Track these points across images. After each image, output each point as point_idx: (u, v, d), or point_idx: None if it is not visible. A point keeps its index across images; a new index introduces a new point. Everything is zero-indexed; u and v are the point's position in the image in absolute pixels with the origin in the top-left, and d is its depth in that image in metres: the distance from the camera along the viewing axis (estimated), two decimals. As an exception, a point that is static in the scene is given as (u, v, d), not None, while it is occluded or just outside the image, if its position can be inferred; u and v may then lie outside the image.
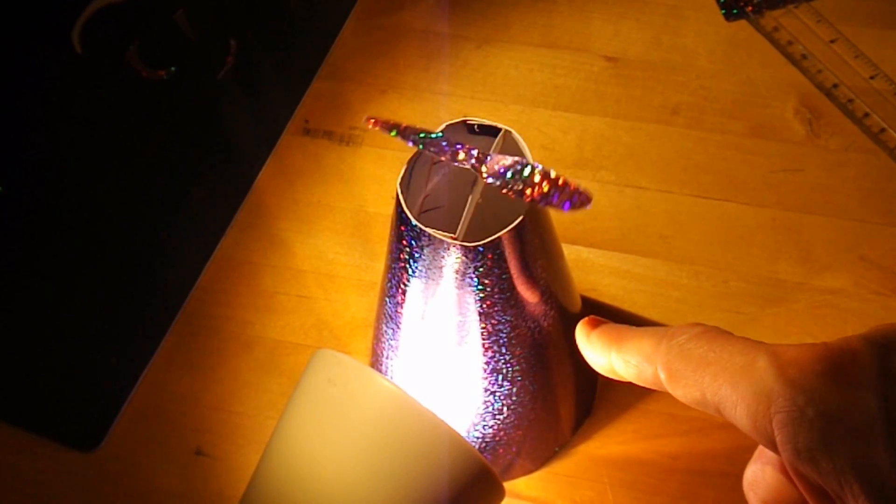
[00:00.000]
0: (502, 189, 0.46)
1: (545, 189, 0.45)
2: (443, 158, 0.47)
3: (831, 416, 0.40)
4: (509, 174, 0.46)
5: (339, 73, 0.79)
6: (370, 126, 0.47)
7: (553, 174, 0.46)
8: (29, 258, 0.72)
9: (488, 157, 0.47)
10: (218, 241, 0.71)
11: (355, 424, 0.49)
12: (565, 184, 0.45)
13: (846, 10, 0.78)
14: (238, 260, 0.70)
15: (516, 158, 0.47)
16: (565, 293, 0.57)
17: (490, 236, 0.48)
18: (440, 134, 0.48)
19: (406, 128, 0.47)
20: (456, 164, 0.47)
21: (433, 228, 0.48)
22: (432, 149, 0.47)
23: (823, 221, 0.69)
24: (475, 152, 0.47)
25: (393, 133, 0.47)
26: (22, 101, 0.79)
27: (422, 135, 0.47)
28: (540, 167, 0.46)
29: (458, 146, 0.47)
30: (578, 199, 0.45)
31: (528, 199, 0.46)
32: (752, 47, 0.77)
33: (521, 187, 0.45)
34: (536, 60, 0.78)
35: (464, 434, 0.55)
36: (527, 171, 0.46)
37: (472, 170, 0.47)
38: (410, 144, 0.47)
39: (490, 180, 0.46)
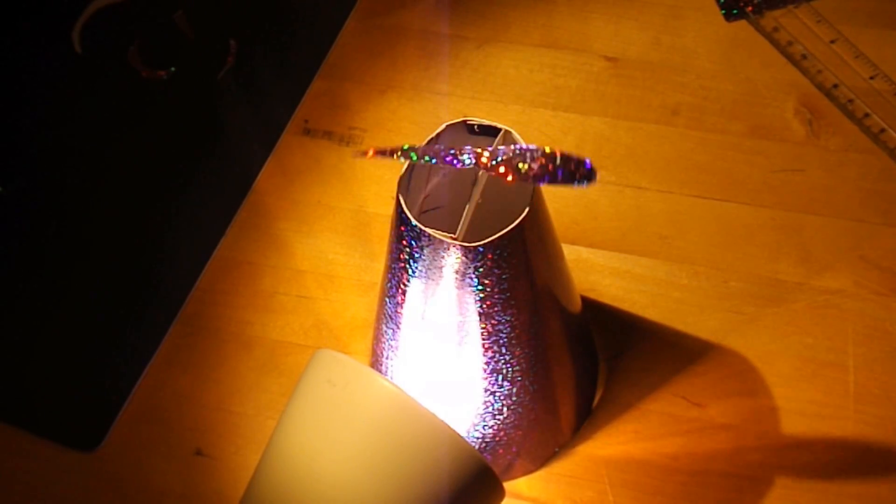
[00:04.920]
0: (503, 172, 0.46)
1: (547, 167, 0.45)
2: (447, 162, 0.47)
3: None
4: (509, 155, 0.46)
5: (339, 73, 0.79)
6: (369, 157, 0.47)
7: (549, 151, 0.45)
8: (29, 258, 0.72)
9: (487, 152, 0.47)
10: (218, 241, 0.71)
11: (355, 425, 0.49)
12: (566, 158, 0.45)
13: (846, 10, 0.78)
14: (238, 260, 0.70)
15: (516, 147, 0.47)
16: (565, 293, 0.57)
17: (490, 236, 0.48)
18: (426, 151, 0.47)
19: (398, 149, 0.47)
20: (460, 166, 0.47)
21: (433, 228, 0.48)
22: (432, 158, 0.47)
23: (823, 221, 0.69)
24: (472, 151, 0.47)
25: (396, 157, 0.47)
26: (22, 101, 0.79)
27: (421, 150, 0.47)
28: (538, 150, 0.46)
29: (454, 152, 0.47)
30: (582, 175, 0.45)
31: (530, 178, 0.46)
32: (752, 47, 0.77)
33: (524, 167, 0.45)
34: (536, 60, 0.78)
35: (464, 434, 0.55)
36: (528, 156, 0.46)
37: (476, 167, 0.47)
38: (414, 159, 0.47)
39: (490, 163, 0.46)
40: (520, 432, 0.58)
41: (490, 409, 0.56)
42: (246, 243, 0.71)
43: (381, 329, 0.57)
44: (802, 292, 0.66)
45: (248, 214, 0.72)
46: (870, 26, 0.77)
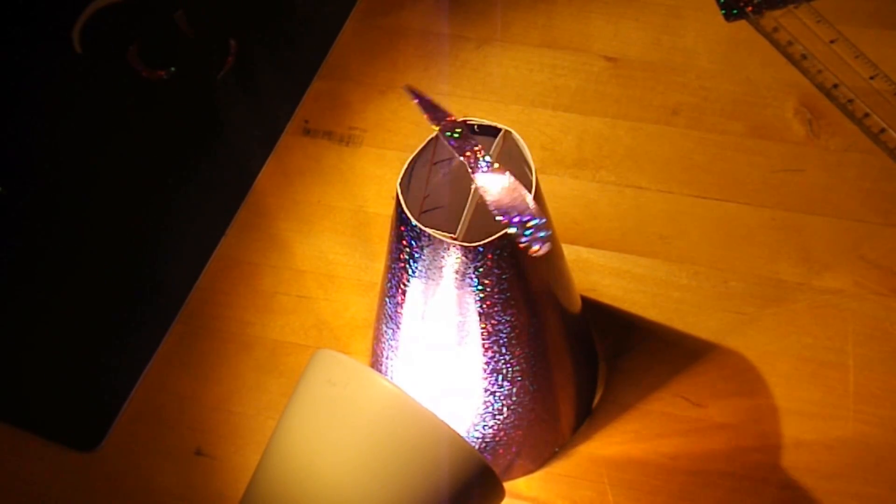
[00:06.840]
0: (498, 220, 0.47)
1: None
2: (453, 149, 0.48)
3: None
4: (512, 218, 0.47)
5: (339, 73, 0.79)
6: (408, 91, 0.47)
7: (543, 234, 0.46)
8: (29, 258, 0.72)
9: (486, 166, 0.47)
10: (218, 241, 0.71)
11: (355, 425, 0.49)
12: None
13: (846, 10, 0.78)
14: (238, 260, 0.70)
15: (517, 197, 0.47)
16: (565, 293, 0.57)
17: (490, 236, 0.48)
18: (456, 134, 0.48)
19: (438, 112, 0.47)
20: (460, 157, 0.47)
21: (433, 228, 0.48)
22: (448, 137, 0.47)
23: (823, 221, 0.69)
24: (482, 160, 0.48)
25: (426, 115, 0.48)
26: (22, 101, 0.79)
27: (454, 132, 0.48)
28: (542, 228, 0.46)
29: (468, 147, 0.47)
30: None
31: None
32: (752, 47, 0.77)
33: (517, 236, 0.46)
34: (536, 60, 0.78)
35: (464, 434, 0.55)
36: (529, 226, 0.47)
37: (469, 170, 0.47)
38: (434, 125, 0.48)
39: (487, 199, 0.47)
40: (520, 432, 0.58)
41: (490, 409, 0.56)
42: (246, 243, 0.71)
43: (381, 329, 0.57)
44: (802, 292, 0.66)
45: (248, 214, 0.72)
46: (870, 26, 0.77)
